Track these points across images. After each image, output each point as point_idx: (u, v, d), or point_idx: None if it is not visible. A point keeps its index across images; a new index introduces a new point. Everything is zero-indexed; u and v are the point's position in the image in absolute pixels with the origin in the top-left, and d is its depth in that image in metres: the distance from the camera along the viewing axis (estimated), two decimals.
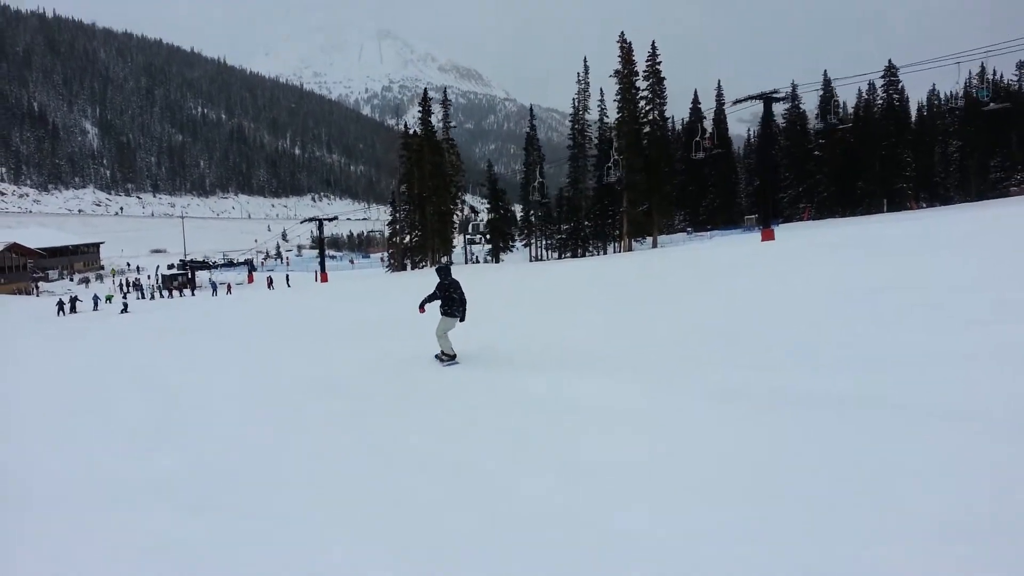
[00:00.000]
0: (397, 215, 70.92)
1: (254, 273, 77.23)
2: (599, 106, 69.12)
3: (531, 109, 79.06)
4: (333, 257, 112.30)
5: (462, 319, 10.46)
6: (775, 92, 40.19)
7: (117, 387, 11.38)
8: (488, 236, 70.86)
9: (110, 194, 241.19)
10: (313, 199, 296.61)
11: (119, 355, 16.29)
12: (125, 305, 45.01)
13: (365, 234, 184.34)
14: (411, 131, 70.57)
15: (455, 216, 70.63)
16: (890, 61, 73.86)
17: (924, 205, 74.77)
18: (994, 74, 78.61)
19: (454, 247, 71.13)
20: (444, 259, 61.87)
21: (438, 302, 10.42)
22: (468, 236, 69.41)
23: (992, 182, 74.33)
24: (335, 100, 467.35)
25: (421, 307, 10.58)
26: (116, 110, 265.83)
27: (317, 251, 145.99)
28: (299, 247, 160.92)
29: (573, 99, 68.54)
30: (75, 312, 44.93)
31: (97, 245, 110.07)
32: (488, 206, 72.05)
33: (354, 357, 11.90)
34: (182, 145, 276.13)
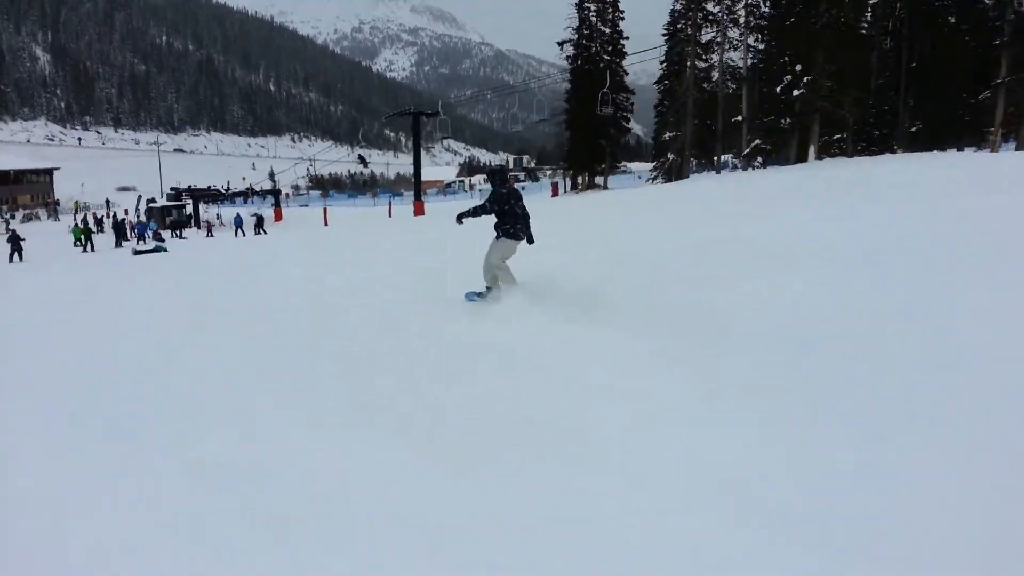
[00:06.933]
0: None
1: (282, 208, 56.98)
2: None
3: None
4: (355, 196, 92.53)
5: (530, 240, 7.12)
6: None
7: None
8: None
9: (65, 127, 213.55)
10: (293, 139, 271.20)
11: None
12: (158, 246, 29.90)
13: (365, 174, 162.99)
14: None
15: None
16: None
17: None
18: None
19: None
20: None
21: (487, 218, 7.10)
22: None
23: None
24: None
25: (459, 219, 7.42)
26: (71, 35, 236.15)
27: (320, 191, 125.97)
28: (295, 187, 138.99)
29: None
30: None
31: (50, 171, 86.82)
32: None
33: None
34: (146, 76, 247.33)
